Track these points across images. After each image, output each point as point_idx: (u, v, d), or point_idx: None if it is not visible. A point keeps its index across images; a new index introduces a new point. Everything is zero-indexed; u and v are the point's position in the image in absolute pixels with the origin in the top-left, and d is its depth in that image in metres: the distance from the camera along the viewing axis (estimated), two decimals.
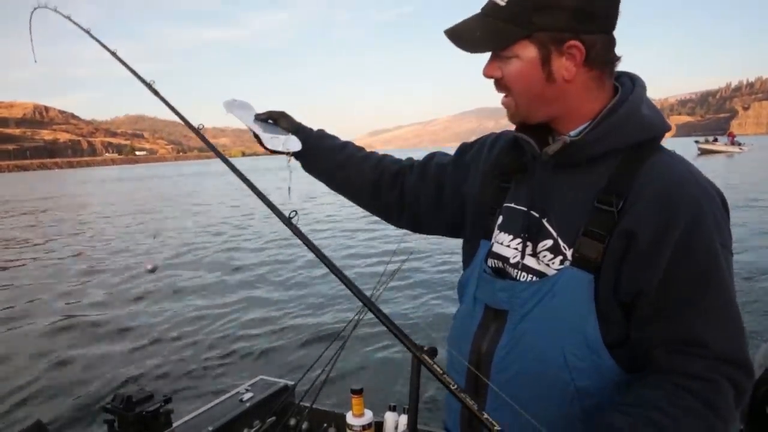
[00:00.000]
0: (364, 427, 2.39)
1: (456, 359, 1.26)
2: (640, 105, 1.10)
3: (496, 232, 1.24)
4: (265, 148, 1.52)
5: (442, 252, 11.27)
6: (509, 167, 1.27)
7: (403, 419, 2.35)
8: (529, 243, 1.15)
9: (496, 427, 0.87)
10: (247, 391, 2.68)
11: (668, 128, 1.13)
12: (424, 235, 1.57)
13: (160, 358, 7.38)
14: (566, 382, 1.05)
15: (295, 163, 1.57)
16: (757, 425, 1.76)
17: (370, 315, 2.65)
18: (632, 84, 1.13)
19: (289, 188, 1.61)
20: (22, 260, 14.92)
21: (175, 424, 2.22)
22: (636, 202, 1.03)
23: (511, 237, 1.20)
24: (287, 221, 1.18)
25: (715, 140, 59.59)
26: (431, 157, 1.51)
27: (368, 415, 2.42)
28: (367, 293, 2.71)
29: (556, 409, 1.07)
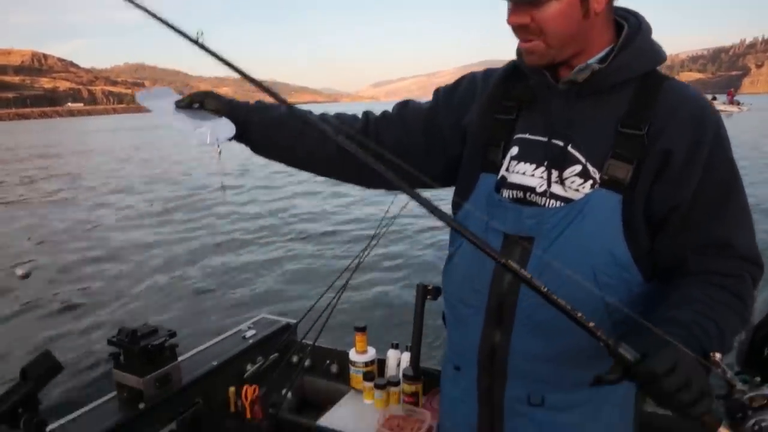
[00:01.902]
0: (366, 364, 2.42)
1: (467, 297, 1.25)
2: (650, 34, 1.16)
3: (513, 163, 1.22)
4: None
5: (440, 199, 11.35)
6: (518, 98, 1.26)
7: (406, 356, 2.38)
8: (554, 171, 1.16)
9: (610, 340, 0.88)
10: (250, 328, 2.70)
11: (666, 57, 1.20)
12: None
13: (163, 298, 7.49)
14: (596, 300, 1.07)
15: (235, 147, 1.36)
16: (755, 367, 1.79)
17: (371, 255, 2.66)
18: (626, 14, 1.18)
19: (223, 186, 1.41)
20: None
21: (179, 359, 2.25)
22: (668, 123, 1.08)
23: (533, 167, 1.19)
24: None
25: (714, 99, 58.90)
26: (403, 105, 1.44)
27: (371, 352, 2.45)
28: (366, 239, 2.71)
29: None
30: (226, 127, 1.30)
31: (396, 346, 2.47)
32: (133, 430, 2.03)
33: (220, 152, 1.29)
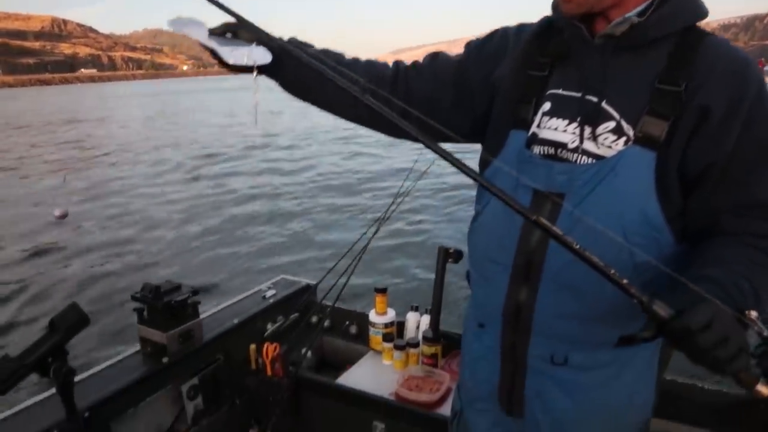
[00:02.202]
0: (386, 325, 2.43)
1: (494, 254, 1.24)
2: None
3: (545, 119, 1.20)
4: (226, 65, 1.25)
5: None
6: (552, 53, 1.23)
7: (425, 319, 2.39)
8: (587, 127, 1.13)
9: (644, 297, 0.87)
10: (270, 288, 2.73)
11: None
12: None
13: (184, 257, 7.61)
14: (625, 259, 1.06)
15: (267, 81, 1.32)
16: None
17: (393, 218, 2.66)
18: None
19: (257, 109, 1.40)
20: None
21: (201, 316, 2.28)
22: (707, 79, 1.05)
23: (566, 122, 1.17)
24: None
25: None
26: (434, 56, 1.41)
27: (391, 314, 2.46)
28: (388, 200, 2.70)
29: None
30: (261, 53, 1.26)
31: (416, 309, 2.48)
32: (157, 383, 2.08)
33: (256, 76, 1.25)
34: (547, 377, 1.23)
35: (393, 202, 2.63)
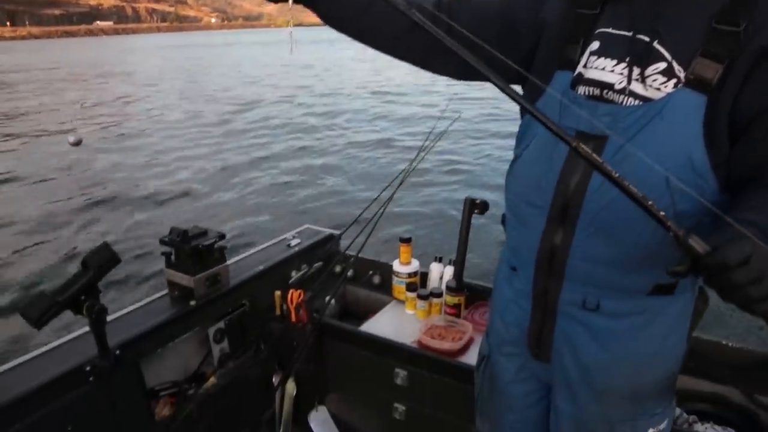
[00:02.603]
0: (410, 275, 2.45)
1: (531, 196, 1.23)
2: None
3: (592, 58, 1.17)
4: None
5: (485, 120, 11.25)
6: None
7: (449, 270, 2.40)
8: (636, 68, 1.10)
9: (681, 231, 0.86)
10: (294, 237, 2.75)
11: None
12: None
13: (211, 204, 7.71)
14: (666, 206, 1.02)
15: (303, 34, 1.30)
16: None
17: (418, 169, 2.65)
18: None
19: (291, 36, 1.37)
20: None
21: (227, 262, 2.31)
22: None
23: (614, 62, 1.13)
24: None
25: None
26: None
27: (415, 264, 2.47)
28: (414, 151, 2.69)
29: (652, 233, 1.06)
30: None
31: (439, 260, 2.49)
32: (185, 326, 2.12)
33: (291, 5, 1.22)
34: (577, 323, 1.23)
35: (419, 154, 2.62)
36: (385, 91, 17.08)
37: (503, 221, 1.42)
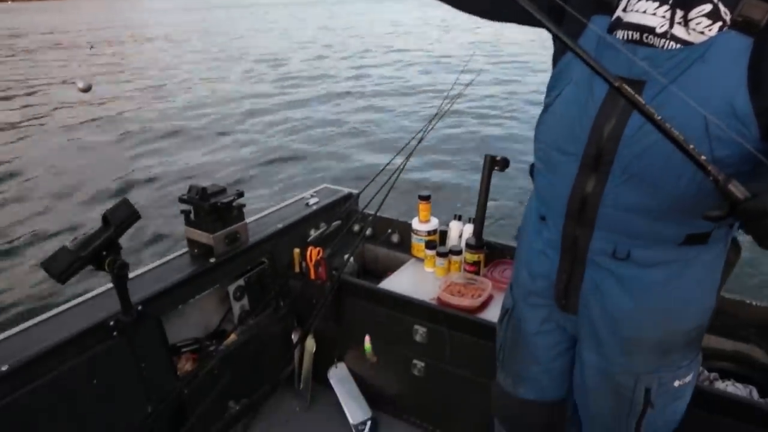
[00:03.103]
0: (429, 233, 2.44)
1: (563, 143, 1.20)
2: None
3: (632, 1, 1.13)
4: None
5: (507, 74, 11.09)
6: None
7: (468, 228, 2.38)
8: (679, 10, 1.05)
9: (720, 175, 0.85)
10: (312, 196, 2.74)
11: None
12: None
13: (228, 161, 7.72)
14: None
15: None
16: None
17: (436, 129, 2.61)
18: None
19: None
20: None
21: (246, 220, 2.31)
22: None
23: (656, 5, 1.09)
24: None
25: None
26: None
27: (434, 222, 2.46)
28: (433, 109, 2.65)
29: (687, 182, 1.03)
30: None
31: (459, 218, 2.47)
32: (205, 283, 2.13)
33: None
34: (606, 272, 1.22)
35: (438, 112, 2.58)
36: (403, 51, 16.89)
37: (531, 171, 1.40)
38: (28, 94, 12.90)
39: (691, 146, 0.85)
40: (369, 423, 2.38)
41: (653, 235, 1.14)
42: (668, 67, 1.04)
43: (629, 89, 0.86)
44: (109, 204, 1.75)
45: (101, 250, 1.67)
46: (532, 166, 1.39)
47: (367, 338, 2.30)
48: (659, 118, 0.85)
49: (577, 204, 1.19)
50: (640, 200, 1.10)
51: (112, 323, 1.81)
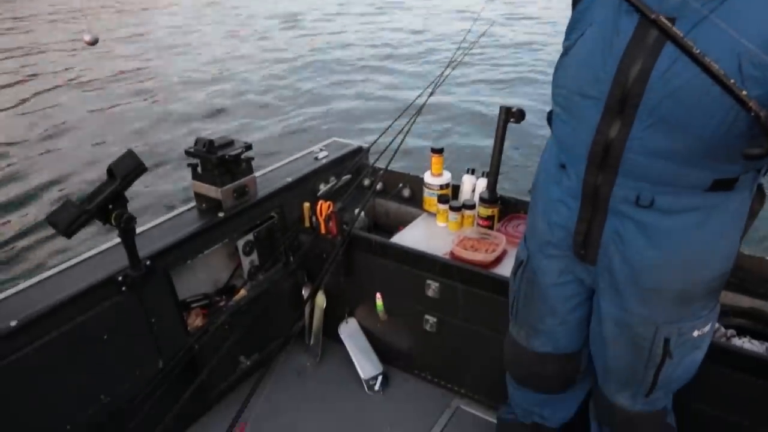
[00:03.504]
0: (441, 187, 2.38)
1: (586, 87, 1.14)
2: None
3: None
4: None
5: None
6: None
7: (481, 182, 2.33)
8: None
9: (762, 111, 0.79)
10: (322, 150, 2.68)
11: None
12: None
13: (237, 114, 7.61)
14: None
15: None
16: None
17: (450, 79, 2.54)
18: None
19: None
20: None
21: (255, 174, 2.26)
22: None
23: None
24: None
25: None
26: None
27: (446, 176, 2.40)
28: (446, 61, 2.57)
29: (718, 123, 0.98)
30: None
31: (472, 172, 2.41)
32: (214, 237, 2.10)
33: None
34: (629, 220, 1.18)
35: (450, 63, 2.50)
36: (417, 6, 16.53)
37: (549, 119, 1.35)
38: (32, 52, 12.74)
39: (732, 81, 0.79)
40: (380, 378, 2.38)
41: (679, 181, 1.10)
42: (701, 2, 0.98)
43: (666, 21, 0.80)
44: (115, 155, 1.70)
45: (107, 204, 1.63)
46: (550, 113, 1.34)
47: (378, 296, 2.28)
48: (698, 51, 0.78)
49: (600, 150, 1.14)
50: (667, 144, 1.05)
51: (120, 278, 1.78)
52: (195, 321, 2.17)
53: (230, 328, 2.16)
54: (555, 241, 1.36)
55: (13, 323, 1.56)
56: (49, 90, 9.32)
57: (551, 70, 1.29)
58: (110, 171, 1.64)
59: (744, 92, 0.79)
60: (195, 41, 12.86)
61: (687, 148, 1.04)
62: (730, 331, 1.88)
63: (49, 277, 1.78)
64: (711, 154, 1.03)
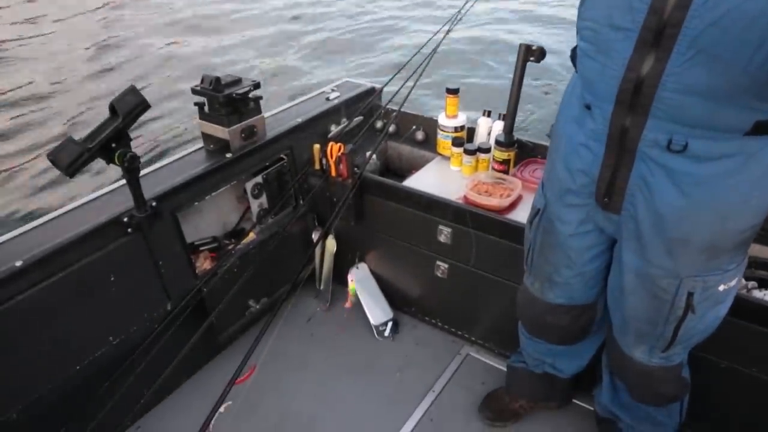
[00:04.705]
0: (456, 129, 2.30)
1: (618, 18, 1.03)
2: None
3: None
4: None
5: None
6: None
7: (498, 125, 2.24)
8: None
9: None
10: (333, 91, 2.60)
11: None
12: None
13: (244, 51, 7.42)
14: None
15: None
16: None
17: (467, 16, 2.42)
18: None
19: None
20: None
21: (264, 114, 2.19)
22: None
23: None
24: None
25: None
26: None
27: (462, 118, 2.31)
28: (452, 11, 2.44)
29: (766, 55, 0.90)
30: None
31: (488, 114, 2.32)
32: (221, 179, 2.05)
33: None
34: (658, 166, 1.10)
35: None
36: None
37: (572, 57, 1.25)
38: None
39: None
40: (390, 324, 2.37)
41: (717, 122, 1.01)
42: None
43: None
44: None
45: (110, 142, 1.57)
46: (574, 50, 1.25)
47: (350, 278, 2.32)
48: None
49: (630, 88, 1.06)
50: (707, 80, 0.96)
51: (126, 219, 1.75)
52: (204, 264, 2.15)
53: (239, 271, 2.13)
54: (576, 189, 1.29)
55: (18, 263, 1.53)
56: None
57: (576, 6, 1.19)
58: (112, 108, 1.58)
59: None
60: None
61: (729, 84, 0.95)
62: (752, 283, 1.82)
63: (54, 219, 1.74)
64: (755, 90, 0.94)
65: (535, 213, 1.48)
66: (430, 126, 2.45)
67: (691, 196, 1.10)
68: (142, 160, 1.68)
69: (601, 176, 1.20)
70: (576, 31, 1.19)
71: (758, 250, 1.83)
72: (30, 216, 4.29)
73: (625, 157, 1.13)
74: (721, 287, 1.24)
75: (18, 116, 6.05)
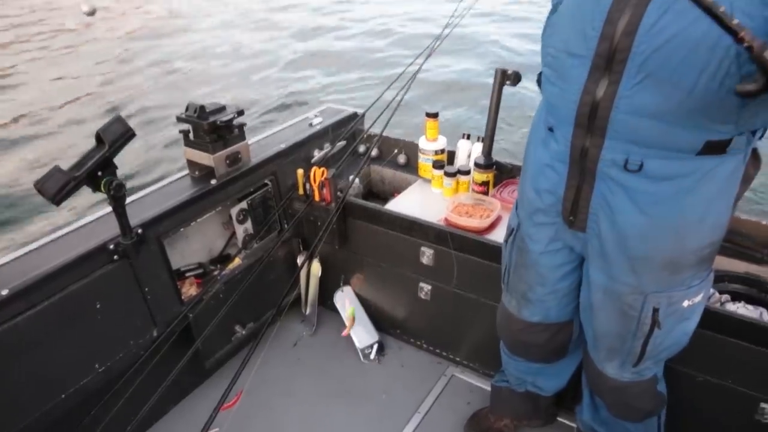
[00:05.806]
0: (436, 152, 2.35)
1: (573, 45, 1.10)
2: None
3: None
4: None
5: None
6: None
7: (477, 147, 2.30)
8: None
9: (741, 33, 0.76)
10: (316, 116, 2.64)
11: None
12: None
13: (229, 81, 7.50)
14: (727, 46, 0.91)
15: None
16: None
17: (444, 45, 2.48)
18: None
19: None
20: None
21: (248, 140, 2.22)
22: None
23: None
24: None
25: None
26: None
27: (442, 141, 2.37)
28: (440, 28, 2.51)
29: (710, 77, 0.95)
30: None
31: (467, 137, 2.38)
32: (207, 205, 2.08)
33: None
34: (617, 186, 1.15)
35: (445, 29, 2.44)
36: None
37: (539, 81, 1.31)
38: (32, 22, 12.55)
39: (722, 8, 0.75)
40: (375, 346, 2.38)
41: (669, 143, 1.06)
42: None
43: None
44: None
45: (96, 170, 1.60)
46: (540, 75, 1.30)
47: (347, 303, 2.37)
48: None
49: (587, 111, 1.11)
50: (656, 102, 1.02)
51: (112, 246, 1.76)
52: (189, 290, 2.16)
53: (225, 297, 2.14)
54: (544, 208, 1.34)
55: (5, 292, 1.54)
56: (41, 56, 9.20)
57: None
58: (98, 136, 1.61)
59: (736, 21, 0.76)
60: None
61: (677, 106, 1.00)
62: (725, 297, 1.87)
63: (40, 246, 1.75)
64: (702, 111, 0.99)
65: (510, 232, 1.53)
66: (412, 149, 2.51)
67: (649, 214, 1.14)
68: (127, 187, 1.71)
69: (566, 196, 1.25)
70: (540, 57, 1.25)
71: (730, 264, 1.88)
72: (15, 244, 4.28)
73: (587, 177, 1.18)
74: (686, 303, 1.28)
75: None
